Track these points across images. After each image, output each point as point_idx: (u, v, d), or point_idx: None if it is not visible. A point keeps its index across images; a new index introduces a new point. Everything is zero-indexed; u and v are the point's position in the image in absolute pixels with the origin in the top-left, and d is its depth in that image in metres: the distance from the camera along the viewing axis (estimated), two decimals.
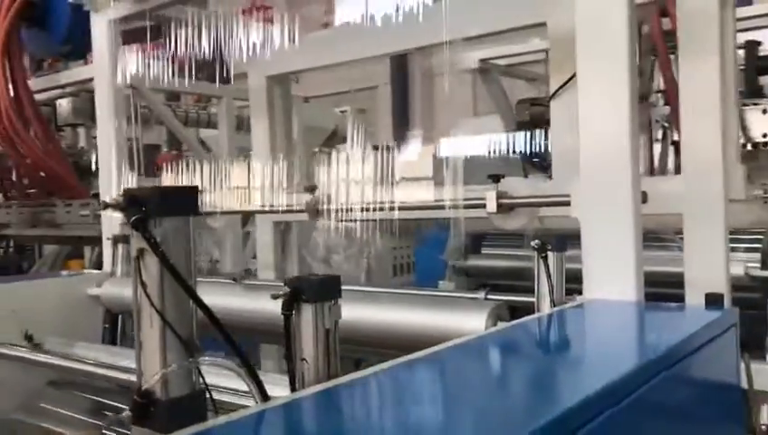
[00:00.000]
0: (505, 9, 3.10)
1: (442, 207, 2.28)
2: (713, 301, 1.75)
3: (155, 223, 1.00)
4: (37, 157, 5.96)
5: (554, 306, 1.91)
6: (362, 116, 9.80)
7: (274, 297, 1.22)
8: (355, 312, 2.14)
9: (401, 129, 12.65)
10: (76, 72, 6.32)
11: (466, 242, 4.94)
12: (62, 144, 7.20)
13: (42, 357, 2.29)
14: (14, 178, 6.85)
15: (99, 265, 6.16)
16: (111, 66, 3.14)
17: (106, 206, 1.22)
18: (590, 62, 1.92)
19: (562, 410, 0.99)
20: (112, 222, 3.18)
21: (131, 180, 3.47)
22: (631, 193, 1.87)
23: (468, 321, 1.91)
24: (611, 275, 1.88)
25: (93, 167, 7.25)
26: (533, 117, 2.96)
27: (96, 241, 6.04)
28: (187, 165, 3.11)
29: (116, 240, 3.13)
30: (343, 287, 2.05)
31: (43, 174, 6.17)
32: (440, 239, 5.05)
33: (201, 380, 1.09)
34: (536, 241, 1.95)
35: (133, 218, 0.98)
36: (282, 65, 3.72)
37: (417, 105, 13.08)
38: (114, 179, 3.20)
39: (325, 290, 1.23)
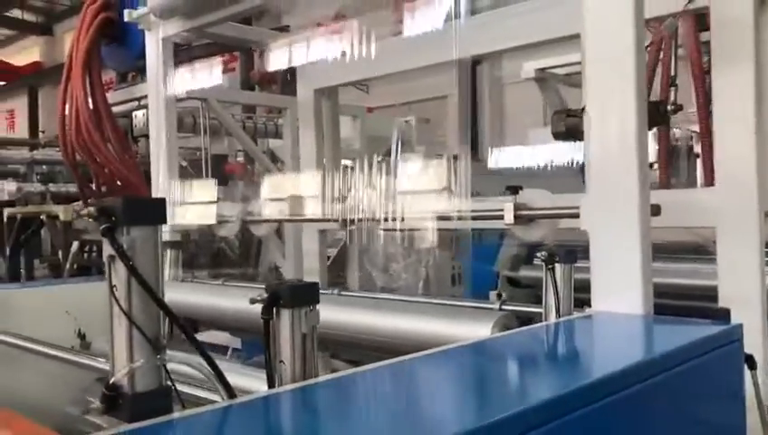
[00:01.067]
0: (546, 20, 3.10)
1: (462, 218, 2.32)
2: (720, 316, 1.73)
3: (123, 231, 1.10)
4: (114, 166, 6.29)
5: (560, 318, 1.91)
6: (426, 126, 9.88)
7: (253, 302, 1.30)
8: (363, 318, 2.22)
9: (469, 138, 12.62)
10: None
11: (519, 252, 4.91)
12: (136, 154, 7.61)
13: (81, 358, 2.44)
14: (93, 186, 7.24)
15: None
16: (162, 81, 3.32)
17: (79, 215, 1.32)
18: (598, 73, 1.93)
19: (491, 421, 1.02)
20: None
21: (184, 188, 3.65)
22: (639, 206, 1.86)
23: (474, 330, 1.95)
24: (618, 288, 1.88)
25: None
26: (569, 128, 2.94)
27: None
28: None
29: (164, 245, 3.30)
30: (354, 294, 2.12)
31: (119, 183, 6.50)
32: (492, 250, 5.04)
33: (167, 376, 1.19)
34: (543, 252, 1.96)
35: (102, 227, 1.08)
36: (329, 78, 3.83)
37: (486, 114, 13.05)
38: (163, 188, 3.38)
39: (302, 296, 1.30)
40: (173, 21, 3.22)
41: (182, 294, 2.96)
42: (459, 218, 2.27)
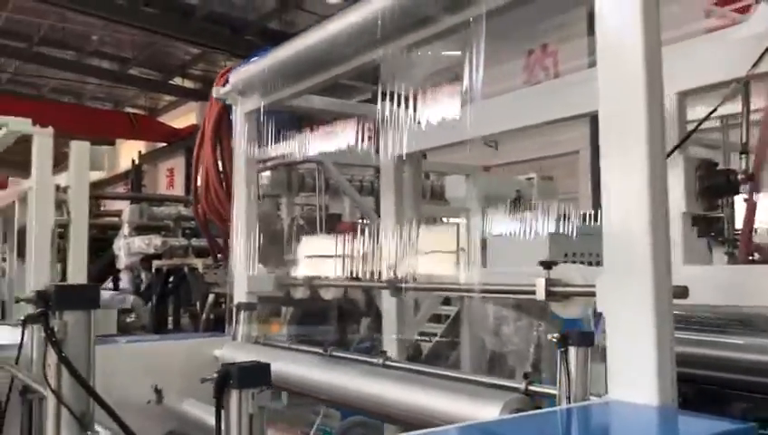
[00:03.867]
0: None
1: (489, 292, 2.27)
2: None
3: (57, 316, 1.20)
4: None
5: (572, 403, 1.81)
6: (549, 183, 9.70)
7: (203, 381, 1.36)
8: (382, 389, 2.21)
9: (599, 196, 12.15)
10: (272, 150, 7.21)
11: None
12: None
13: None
14: (221, 242, 7.72)
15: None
16: (246, 149, 3.56)
17: (18, 300, 1.44)
18: (611, 146, 1.86)
19: None
20: (239, 290, 3.53)
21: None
22: (654, 288, 1.74)
23: (482, 410, 1.88)
24: (634, 376, 1.75)
25: (285, 234, 8.03)
26: None
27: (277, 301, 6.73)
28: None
29: (239, 307, 3.47)
30: (397, 364, 2.14)
31: None
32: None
33: None
34: (557, 334, 1.88)
35: (35, 312, 1.19)
36: (408, 145, 3.90)
37: None
38: (243, 250, 3.56)
39: (252, 377, 1.34)
40: (253, 97, 3.44)
41: (243, 353, 3.09)
42: (487, 292, 2.23)
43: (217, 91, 3.62)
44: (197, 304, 10.61)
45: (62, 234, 6.37)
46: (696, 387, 3.17)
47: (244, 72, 3.36)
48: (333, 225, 8.17)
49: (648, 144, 1.76)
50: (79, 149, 5.54)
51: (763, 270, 2.62)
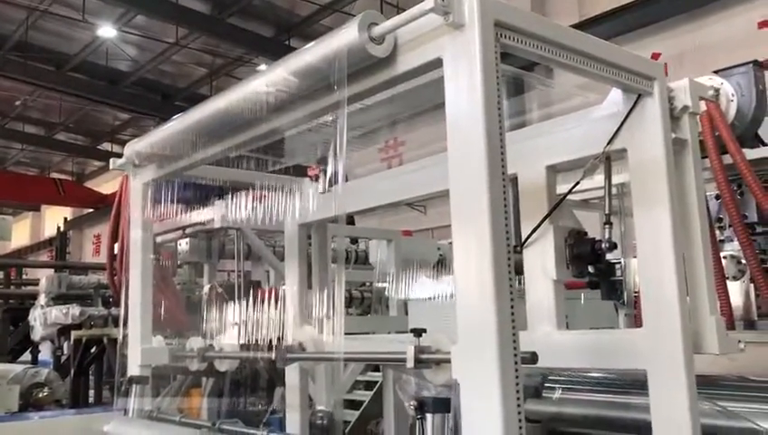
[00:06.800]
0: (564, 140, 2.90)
1: (363, 360, 2.32)
2: None
3: None
4: (155, 298, 6.66)
5: None
6: None
7: None
8: None
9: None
10: (191, 217, 7.25)
11: (527, 385, 4.74)
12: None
13: None
14: None
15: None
16: (142, 219, 3.56)
17: None
18: (460, 225, 1.96)
19: None
20: (132, 362, 3.48)
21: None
22: (498, 356, 1.82)
23: None
24: None
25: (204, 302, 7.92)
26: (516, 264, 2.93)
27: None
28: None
29: (131, 380, 3.41)
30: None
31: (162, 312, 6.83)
32: None
33: None
34: (414, 402, 1.94)
35: None
36: (311, 214, 3.98)
37: None
38: (140, 322, 3.53)
39: None
40: (149, 168, 3.48)
41: (132, 429, 3.04)
42: (360, 360, 2.28)
43: (114, 163, 3.63)
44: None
45: None
46: None
47: (136, 145, 3.40)
48: (253, 292, 8.12)
49: (490, 222, 1.87)
50: None
51: (625, 335, 2.76)
